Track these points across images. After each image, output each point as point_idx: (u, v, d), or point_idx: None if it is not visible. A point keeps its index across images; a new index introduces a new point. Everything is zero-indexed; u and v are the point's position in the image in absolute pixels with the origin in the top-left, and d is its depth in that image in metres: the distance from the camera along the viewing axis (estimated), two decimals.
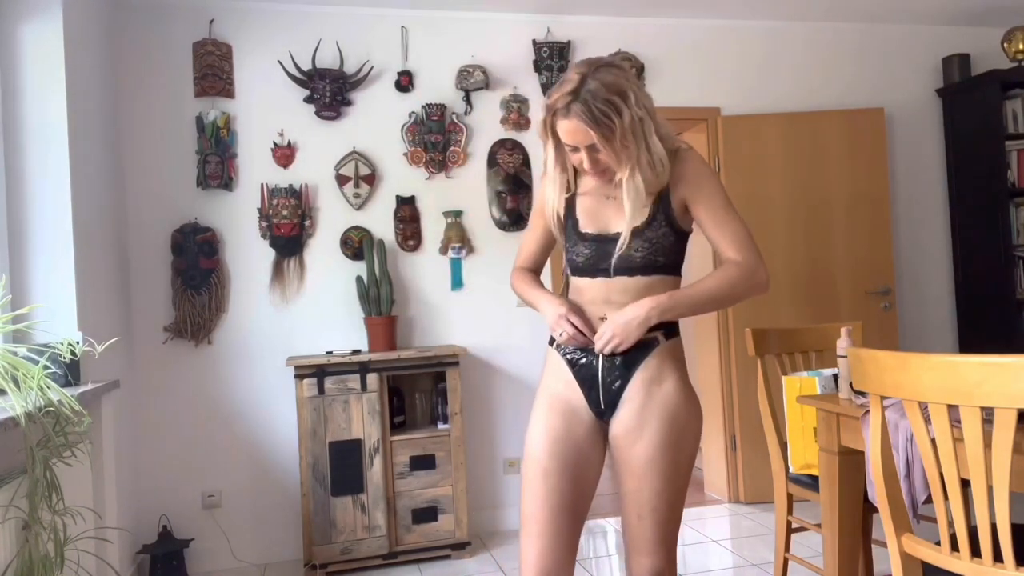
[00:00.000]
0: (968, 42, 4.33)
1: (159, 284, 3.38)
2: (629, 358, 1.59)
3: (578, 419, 1.63)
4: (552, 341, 1.70)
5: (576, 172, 1.69)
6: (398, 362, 3.30)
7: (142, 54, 3.38)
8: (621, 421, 1.59)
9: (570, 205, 1.70)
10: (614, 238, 1.60)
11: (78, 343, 2.19)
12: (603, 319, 1.61)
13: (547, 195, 1.71)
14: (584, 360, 1.64)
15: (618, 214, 1.61)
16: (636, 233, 1.58)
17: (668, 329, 1.62)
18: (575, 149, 1.54)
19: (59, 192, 2.54)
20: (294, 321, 3.50)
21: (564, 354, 1.67)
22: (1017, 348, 3.88)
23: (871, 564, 2.45)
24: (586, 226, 1.65)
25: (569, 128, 1.51)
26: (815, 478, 2.25)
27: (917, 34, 4.33)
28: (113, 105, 3.25)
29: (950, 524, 1.46)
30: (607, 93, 1.47)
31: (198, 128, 3.41)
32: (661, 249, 1.60)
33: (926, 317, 4.30)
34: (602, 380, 1.61)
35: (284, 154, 3.51)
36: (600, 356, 1.60)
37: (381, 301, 3.45)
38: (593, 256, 1.62)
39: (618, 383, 1.60)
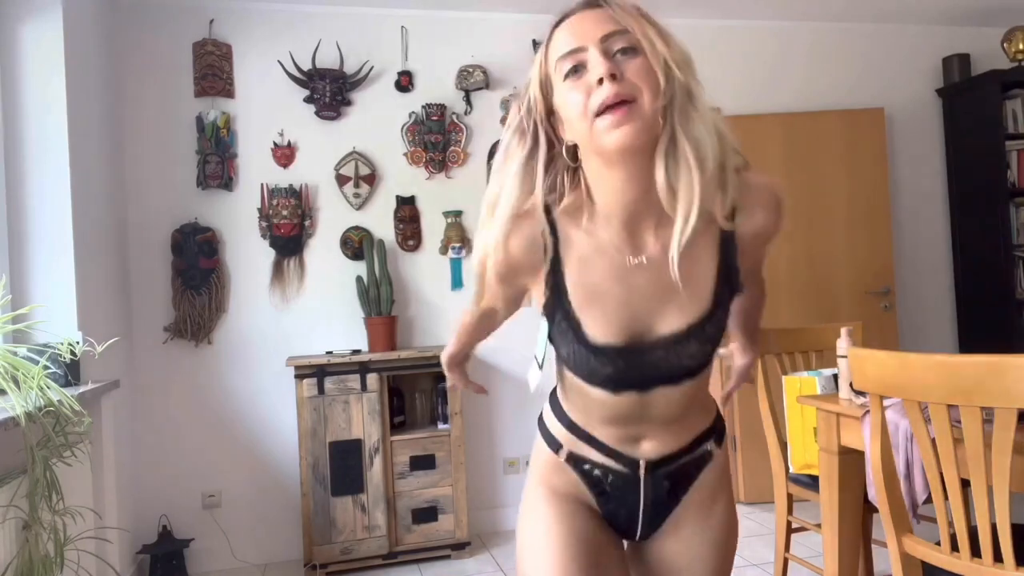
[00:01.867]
0: (968, 42, 4.33)
1: (159, 284, 3.38)
2: (680, 480, 1.14)
3: (595, 520, 1.16)
4: (553, 443, 1.17)
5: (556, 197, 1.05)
6: (398, 362, 3.30)
7: (142, 54, 3.38)
8: (665, 550, 1.18)
9: (554, 280, 1.03)
10: (655, 345, 1.01)
11: (78, 343, 2.19)
12: (640, 439, 1.11)
13: (496, 250, 1.04)
14: (615, 481, 1.13)
15: (658, 301, 1.00)
16: (693, 332, 1.01)
17: (720, 434, 1.19)
18: (576, 68, 0.95)
19: (59, 192, 2.54)
20: (294, 321, 3.50)
21: (579, 468, 1.14)
22: (1017, 348, 3.88)
23: (871, 564, 2.45)
24: (598, 331, 1.01)
25: (580, 17, 0.96)
26: (815, 478, 2.25)
27: (917, 34, 4.33)
28: (113, 105, 3.25)
29: (950, 524, 1.46)
30: (641, 8, 0.98)
31: (198, 128, 3.41)
32: (719, 340, 1.06)
33: (926, 317, 4.30)
34: (643, 509, 1.14)
35: (284, 154, 3.51)
36: (643, 478, 1.12)
37: (381, 301, 3.45)
38: (616, 374, 1.04)
39: (663, 513, 1.16)
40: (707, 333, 1.01)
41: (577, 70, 0.94)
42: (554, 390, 1.20)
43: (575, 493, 1.15)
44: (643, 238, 1.01)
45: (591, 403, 1.09)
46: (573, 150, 1.01)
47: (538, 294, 1.05)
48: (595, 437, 1.12)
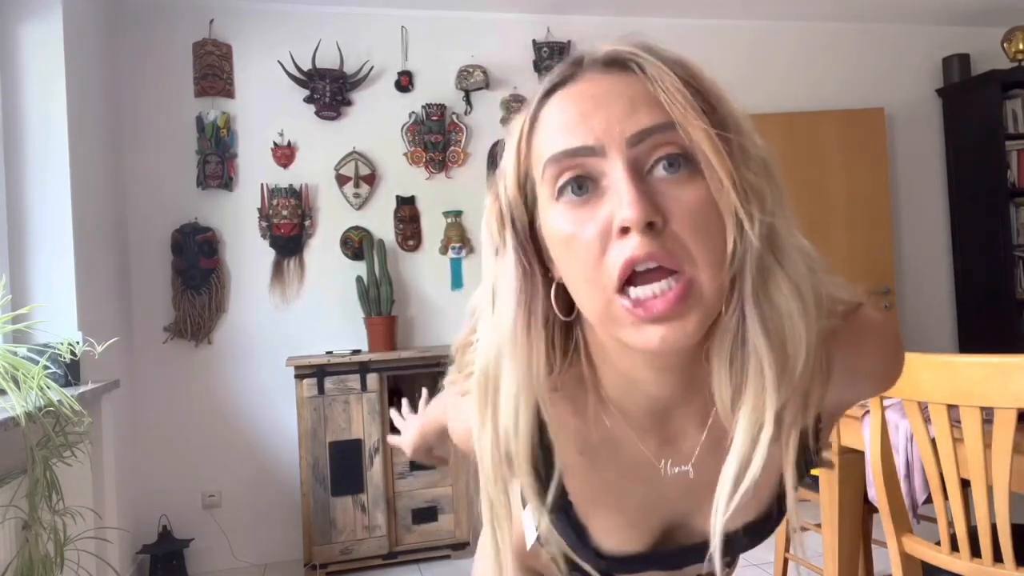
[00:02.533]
0: (968, 42, 4.33)
1: (159, 284, 3.38)
2: None
3: None
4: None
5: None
6: (398, 362, 3.30)
7: (142, 54, 3.38)
8: None
9: (545, 476, 0.66)
10: (695, 548, 0.73)
11: (78, 343, 2.19)
12: None
13: (479, 438, 0.65)
14: None
15: (698, 504, 0.69)
16: (748, 531, 0.72)
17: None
18: (579, 182, 0.56)
19: (59, 192, 2.54)
20: (294, 321, 3.50)
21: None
22: (1017, 348, 3.88)
23: (871, 564, 2.45)
24: (612, 540, 0.72)
25: (594, 88, 0.57)
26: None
27: (917, 34, 4.33)
28: (113, 105, 3.25)
29: (950, 524, 1.46)
30: (695, 70, 0.59)
31: (198, 128, 3.41)
32: (781, 519, 0.75)
33: (926, 317, 4.30)
34: None
35: (284, 154, 3.51)
36: None
37: (381, 301, 3.45)
38: (635, 571, 0.76)
39: None
40: (767, 528, 0.72)
41: (582, 186, 0.55)
42: None
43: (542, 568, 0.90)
44: (681, 433, 0.67)
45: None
46: (565, 295, 0.61)
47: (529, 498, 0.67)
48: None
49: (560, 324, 0.63)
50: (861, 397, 0.69)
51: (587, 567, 0.72)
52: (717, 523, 0.58)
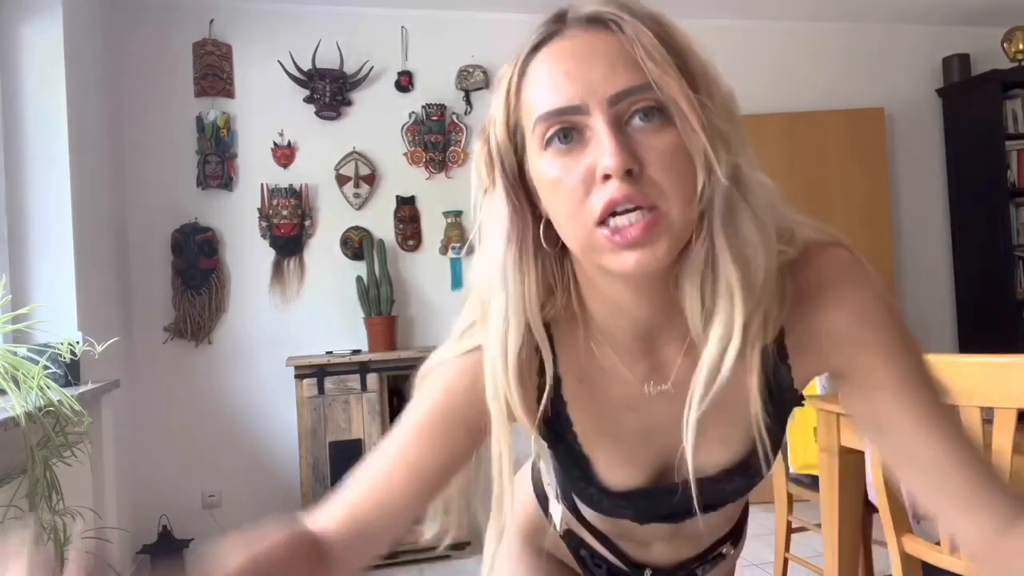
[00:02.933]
0: (968, 42, 4.33)
1: (159, 284, 3.38)
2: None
3: None
4: (539, 489, 0.96)
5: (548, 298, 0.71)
6: (398, 362, 3.29)
7: (142, 54, 3.38)
8: None
9: (553, 421, 0.75)
10: (686, 486, 0.72)
11: (78, 343, 2.19)
12: (655, 545, 0.89)
13: (492, 368, 0.68)
14: (611, 569, 0.94)
15: (682, 425, 0.68)
16: (736, 471, 0.75)
17: (737, 535, 0.98)
18: (565, 132, 0.61)
19: (59, 192, 2.54)
20: (294, 321, 3.50)
21: (574, 548, 0.95)
22: (1017, 348, 3.88)
23: (871, 564, 2.45)
24: (612, 474, 0.76)
25: (576, 46, 0.62)
26: (815, 478, 2.25)
27: (917, 34, 4.33)
28: (113, 105, 3.25)
29: None
30: (669, 27, 0.64)
31: (198, 128, 3.41)
32: (773, 457, 0.73)
33: (926, 317, 4.30)
34: None
35: (284, 154, 3.51)
36: None
37: (381, 301, 3.45)
38: (639, 515, 0.81)
39: None
40: (755, 466, 0.73)
41: (568, 136, 0.61)
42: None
43: (560, 556, 0.97)
44: (664, 356, 0.72)
45: (611, 520, 0.86)
46: (551, 231, 0.67)
47: (525, 425, 0.72)
48: (606, 535, 0.90)
49: (551, 260, 0.68)
50: (836, 328, 0.70)
51: (590, 518, 0.80)
52: (691, 418, 0.65)
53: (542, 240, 0.67)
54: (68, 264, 2.54)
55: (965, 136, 4.23)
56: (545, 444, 0.78)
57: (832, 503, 2.04)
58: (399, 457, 0.78)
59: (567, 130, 0.61)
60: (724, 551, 0.95)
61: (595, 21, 0.62)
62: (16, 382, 1.70)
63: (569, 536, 0.94)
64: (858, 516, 2.07)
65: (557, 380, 0.72)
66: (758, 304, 0.63)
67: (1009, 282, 4.05)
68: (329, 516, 0.78)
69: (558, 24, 0.63)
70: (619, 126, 0.60)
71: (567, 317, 0.72)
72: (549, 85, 0.61)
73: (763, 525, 3.52)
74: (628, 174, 0.58)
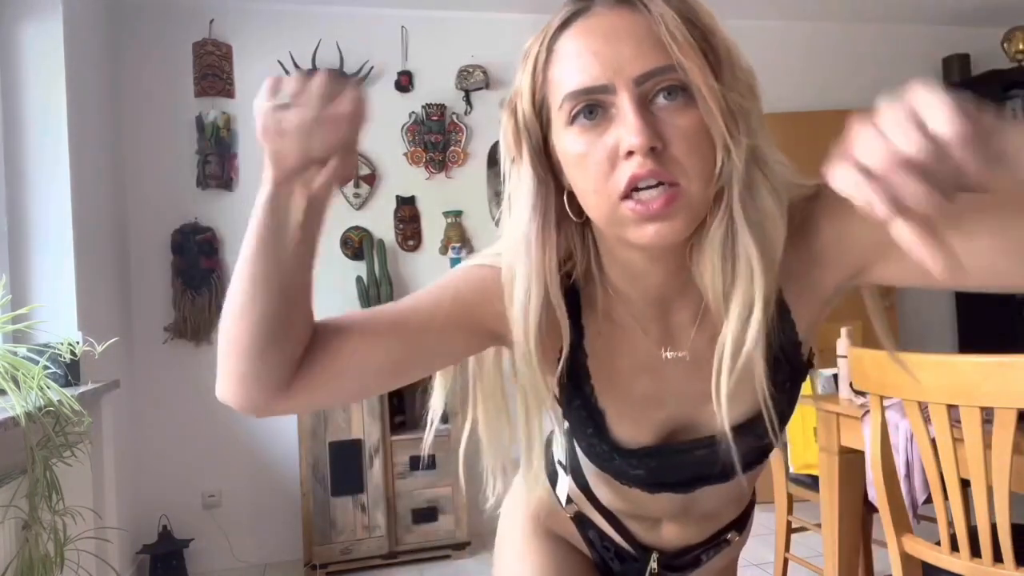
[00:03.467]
0: (968, 42, 4.33)
1: (159, 284, 3.38)
2: (692, 561, 0.97)
3: (585, 569, 1.00)
4: (551, 470, 0.99)
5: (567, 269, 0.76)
6: None
7: (142, 54, 3.38)
8: None
9: (573, 362, 0.78)
10: (698, 444, 0.78)
11: (78, 343, 2.19)
12: (663, 525, 0.92)
13: (519, 316, 0.71)
14: (619, 558, 0.97)
15: (699, 394, 0.73)
16: (745, 428, 0.75)
17: (743, 522, 1.00)
18: (590, 108, 0.63)
19: (59, 192, 2.54)
20: None
21: (583, 530, 0.98)
22: (1017, 348, 3.87)
23: (871, 564, 2.45)
24: (625, 430, 0.79)
25: (605, 26, 0.63)
26: (815, 478, 2.25)
27: (917, 34, 4.33)
28: (113, 105, 3.25)
29: (950, 524, 1.46)
30: (694, 6, 0.65)
31: (198, 128, 3.41)
32: (787, 417, 0.79)
33: (926, 317, 4.30)
34: None
35: None
36: (650, 567, 0.94)
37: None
38: (651, 477, 0.82)
39: None
40: (762, 427, 0.74)
41: (593, 113, 0.63)
42: (573, 452, 0.96)
43: (569, 539, 1.00)
44: (677, 322, 0.75)
45: (616, 495, 0.90)
46: (575, 201, 0.70)
47: (544, 372, 0.76)
48: (615, 515, 0.93)
49: (574, 229, 0.73)
50: (827, 239, 0.70)
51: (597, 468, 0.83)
52: (722, 390, 0.67)
53: (566, 210, 0.70)
54: (68, 264, 2.54)
55: None
56: (561, 410, 0.81)
57: (832, 503, 2.04)
58: (397, 312, 0.78)
59: (592, 107, 0.63)
60: (729, 537, 0.97)
61: (622, 2, 0.63)
62: (16, 382, 1.70)
63: (579, 519, 0.96)
64: (858, 516, 2.07)
65: (580, 334, 0.76)
66: (774, 277, 0.66)
67: None
68: (326, 322, 0.80)
69: (586, 1, 0.64)
70: (644, 105, 0.61)
71: (587, 280, 0.76)
72: (577, 64, 0.63)
73: (763, 525, 3.52)
74: (651, 151, 0.60)
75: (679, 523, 0.91)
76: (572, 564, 0.97)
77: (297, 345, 0.76)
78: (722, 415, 0.68)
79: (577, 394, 0.78)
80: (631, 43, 0.61)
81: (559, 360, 0.76)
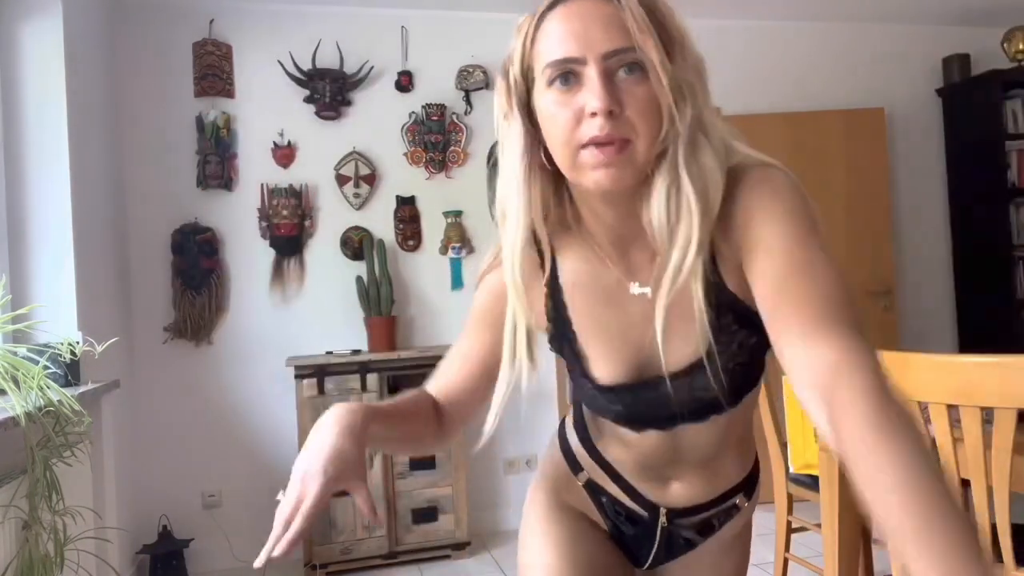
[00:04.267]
0: (968, 42, 4.33)
1: (159, 284, 3.38)
2: (703, 527, 1.07)
3: (603, 543, 1.08)
4: (575, 465, 1.09)
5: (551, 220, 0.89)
6: (398, 362, 3.30)
7: (142, 54, 3.38)
8: None
9: (554, 308, 0.93)
10: (660, 381, 0.88)
11: (78, 343, 2.19)
12: (669, 480, 1.02)
13: (509, 269, 0.86)
14: (631, 521, 1.06)
15: (660, 327, 0.83)
16: (700, 365, 0.86)
17: (752, 486, 1.08)
18: (565, 76, 0.77)
19: (59, 192, 2.54)
20: (294, 321, 3.50)
21: (596, 497, 1.08)
22: (1017, 348, 3.88)
23: (871, 564, 2.45)
24: (601, 369, 0.91)
25: (583, 11, 0.77)
26: (815, 478, 2.25)
27: (917, 34, 4.33)
28: (113, 105, 3.25)
29: None
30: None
31: (198, 128, 3.41)
32: (742, 371, 0.89)
33: (926, 317, 4.30)
34: (658, 547, 1.07)
35: (284, 154, 3.51)
36: (659, 530, 1.05)
37: (381, 301, 3.45)
38: (629, 412, 0.94)
39: (678, 552, 1.09)
40: (716, 365, 0.84)
41: (567, 79, 0.77)
42: (579, 412, 1.09)
43: (585, 511, 1.09)
44: (636, 261, 0.88)
45: (617, 442, 1.01)
46: (549, 154, 0.83)
47: (539, 325, 0.93)
48: (622, 476, 1.04)
49: (551, 180, 0.85)
50: (745, 214, 0.81)
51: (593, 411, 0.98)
52: (659, 305, 0.80)
53: (543, 160, 0.83)
54: (68, 264, 2.54)
55: (965, 136, 4.23)
56: (555, 348, 0.96)
57: (832, 503, 2.04)
58: (464, 350, 0.98)
59: (567, 75, 0.77)
60: (738, 502, 1.06)
61: None
62: (16, 382, 1.70)
63: (591, 487, 1.06)
64: (858, 516, 2.07)
65: (558, 285, 0.91)
66: (711, 221, 0.79)
67: (1009, 282, 4.05)
68: (432, 389, 0.99)
69: None
70: (608, 76, 0.75)
71: (563, 230, 0.90)
72: (558, 39, 0.77)
73: (763, 525, 3.52)
74: (610, 114, 0.74)
75: (682, 477, 1.00)
76: (586, 534, 1.05)
77: (434, 438, 0.99)
78: (658, 324, 0.81)
79: (564, 341, 0.93)
80: (601, 26, 0.75)
81: (546, 302, 0.92)
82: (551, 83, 0.78)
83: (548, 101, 0.79)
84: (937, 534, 0.53)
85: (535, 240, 0.87)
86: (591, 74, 0.75)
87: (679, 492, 1.02)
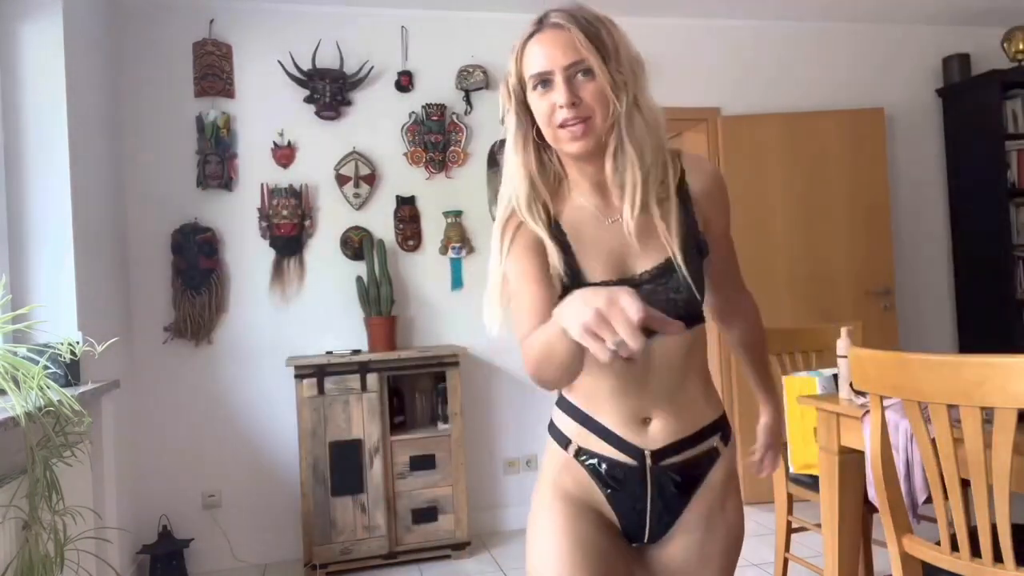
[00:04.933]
0: (968, 42, 4.33)
1: (159, 284, 3.38)
2: (688, 478, 1.18)
3: (605, 527, 1.19)
4: (562, 440, 1.22)
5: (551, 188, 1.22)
6: (398, 362, 3.30)
7: (142, 54, 3.38)
8: (674, 556, 1.21)
9: (558, 239, 1.17)
10: (643, 281, 1.14)
11: (78, 343, 2.19)
12: (646, 420, 1.16)
13: (530, 223, 1.17)
14: (621, 475, 1.17)
15: (635, 243, 1.15)
16: (670, 268, 1.14)
17: (726, 433, 1.23)
18: (544, 82, 1.12)
19: (59, 192, 2.54)
20: (294, 321, 3.50)
21: (587, 463, 1.19)
22: (1017, 348, 3.88)
23: (871, 564, 2.45)
24: (593, 273, 1.15)
25: (548, 39, 1.11)
26: (815, 478, 2.25)
27: (917, 34, 4.33)
28: (113, 105, 3.25)
29: (950, 524, 1.46)
30: (595, 15, 1.15)
31: (198, 128, 3.41)
32: (699, 283, 1.16)
33: (926, 317, 4.30)
34: (651, 510, 1.18)
35: (284, 154, 3.51)
36: (649, 477, 1.16)
37: (381, 301, 3.45)
38: None
39: (672, 513, 1.19)
40: (683, 270, 1.14)
41: (545, 84, 1.13)
42: (561, 396, 1.24)
43: (585, 497, 1.18)
44: (611, 201, 1.19)
45: (596, 373, 1.15)
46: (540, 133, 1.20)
47: (552, 258, 1.17)
48: (602, 424, 1.17)
49: (542, 149, 1.21)
50: (705, 185, 1.21)
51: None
52: (632, 225, 1.15)
53: (534, 136, 1.19)
54: (68, 264, 2.54)
55: (965, 136, 4.23)
56: (557, 272, 1.17)
57: (832, 503, 2.04)
58: (536, 302, 1.13)
59: (544, 82, 1.13)
60: (715, 444, 1.21)
61: (556, 25, 1.13)
62: (16, 382, 1.70)
63: (581, 455, 1.19)
64: (858, 516, 2.07)
65: (560, 227, 1.19)
66: (649, 169, 1.14)
67: (1009, 282, 4.05)
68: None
69: (539, 25, 1.15)
70: (569, 80, 1.11)
71: (557, 196, 1.22)
72: (535, 59, 1.13)
73: (763, 525, 3.52)
74: (572, 104, 1.10)
75: (655, 413, 1.16)
76: (584, 518, 1.18)
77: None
78: (630, 227, 1.14)
79: (566, 262, 1.16)
80: (561, 49, 1.11)
81: (548, 228, 1.18)
82: (535, 87, 1.14)
83: (534, 98, 1.15)
84: (767, 386, 1.46)
85: (540, 200, 1.19)
86: (558, 80, 1.11)
87: (657, 430, 1.17)
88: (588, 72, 1.11)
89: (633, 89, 1.12)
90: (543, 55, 1.12)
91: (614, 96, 1.10)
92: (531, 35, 1.15)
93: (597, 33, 1.12)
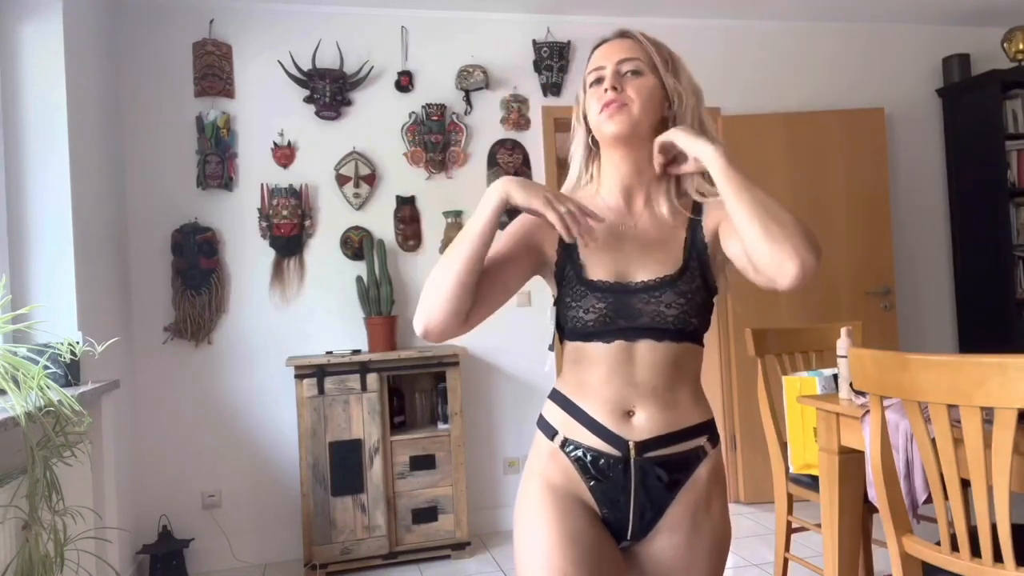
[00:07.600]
0: (968, 42, 4.33)
1: (159, 284, 3.38)
2: (673, 475, 1.19)
3: (591, 519, 1.20)
4: (549, 430, 1.25)
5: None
6: (398, 362, 3.30)
7: (142, 54, 3.38)
8: (661, 554, 1.21)
9: (568, 246, 1.23)
10: (638, 289, 1.19)
11: (78, 343, 2.19)
12: (630, 413, 1.19)
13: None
14: (605, 466, 1.18)
15: (641, 254, 1.21)
16: (667, 283, 1.18)
17: (714, 435, 1.24)
18: (598, 80, 1.24)
19: (59, 192, 2.54)
20: (294, 321, 3.50)
21: (572, 452, 1.21)
22: (1017, 348, 3.88)
23: (871, 564, 2.45)
24: (594, 271, 1.21)
25: (610, 44, 1.26)
26: (815, 478, 2.25)
27: (917, 34, 4.33)
28: (113, 105, 3.25)
29: (950, 524, 1.46)
30: (654, 40, 1.28)
31: (198, 128, 3.41)
32: (695, 308, 1.19)
33: (926, 317, 4.30)
34: (635, 503, 1.19)
35: (284, 154, 3.51)
36: (632, 469, 1.18)
37: (381, 301, 3.45)
38: (609, 311, 1.18)
39: (656, 509, 1.20)
40: (679, 287, 1.19)
41: (600, 81, 1.25)
42: (554, 388, 1.28)
43: (571, 488, 1.19)
44: (636, 208, 1.28)
45: (586, 365, 1.21)
46: (594, 138, 1.30)
47: (552, 252, 1.26)
48: (588, 414, 1.20)
49: (592, 156, 1.32)
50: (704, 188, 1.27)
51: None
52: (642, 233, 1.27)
53: (590, 142, 1.31)
54: (68, 264, 2.54)
55: (965, 136, 4.23)
56: (559, 267, 1.26)
57: (832, 503, 2.04)
58: (496, 252, 1.24)
59: (598, 79, 1.25)
60: (702, 444, 1.22)
61: (621, 34, 1.28)
62: (16, 382, 1.70)
63: (566, 446, 1.21)
64: (858, 516, 2.07)
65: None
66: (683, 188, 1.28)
67: (1009, 282, 4.04)
68: None
69: (608, 36, 1.29)
70: (617, 73, 1.23)
71: (589, 190, 1.31)
72: (595, 59, 1.27)
73: (763, 525, 3.52)
74: (614, 89, 1.21)
75: (640, 406, 1.18)
76: (572, 510, 1.18)
77: (474, 291, 1.23)
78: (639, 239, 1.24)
79: (569, 258, 1.24)
80: (619, 50, 1.25)
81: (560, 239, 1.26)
82: (591, 85, 1.27)
83: (589, 95, 1.27)
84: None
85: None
86: (608, 71, 1.23)
87: (641, 422, 1.18)
88: (637, 73, 1.23)
89: (696, 109, 1.24)
90: (601, 55, 1.26)
91: (665, 100, 1.24)
92: (598, 44, 1.29)
93: (658, 46, 1.26)
